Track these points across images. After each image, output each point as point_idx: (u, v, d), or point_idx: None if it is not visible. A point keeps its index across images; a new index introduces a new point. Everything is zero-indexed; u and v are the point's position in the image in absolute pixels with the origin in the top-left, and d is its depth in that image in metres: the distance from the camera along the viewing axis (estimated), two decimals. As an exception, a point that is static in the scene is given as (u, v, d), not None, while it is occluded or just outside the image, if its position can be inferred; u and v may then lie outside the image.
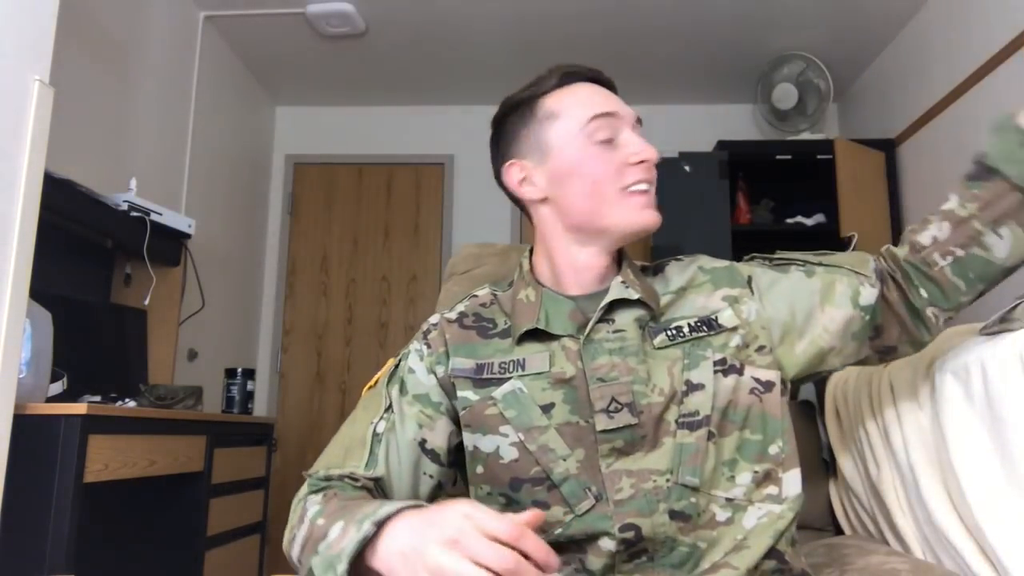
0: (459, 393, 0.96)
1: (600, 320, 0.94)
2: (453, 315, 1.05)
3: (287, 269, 4.03)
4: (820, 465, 1.78)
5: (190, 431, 2.12)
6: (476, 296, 1.07)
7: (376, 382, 1.03)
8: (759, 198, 3.46)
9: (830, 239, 3.02)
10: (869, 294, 0.97)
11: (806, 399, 1.84)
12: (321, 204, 4.10)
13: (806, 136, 3.51)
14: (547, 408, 0.91)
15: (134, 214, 2.37)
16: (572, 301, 0.98)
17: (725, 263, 1.02)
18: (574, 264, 0.99)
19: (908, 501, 1.36)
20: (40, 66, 1.60)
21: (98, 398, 1.99)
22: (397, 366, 1.03)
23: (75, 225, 2.26)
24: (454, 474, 1.02)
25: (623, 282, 0.96)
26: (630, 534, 0.85)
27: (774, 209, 3.48)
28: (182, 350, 2.98)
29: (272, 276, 4.01)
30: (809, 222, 3.32)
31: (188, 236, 2.65)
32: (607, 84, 1.02)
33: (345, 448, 0.97)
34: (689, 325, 0.94)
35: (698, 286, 0.99)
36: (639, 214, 0.95)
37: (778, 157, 3.27)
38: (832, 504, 1.73)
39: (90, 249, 2.47)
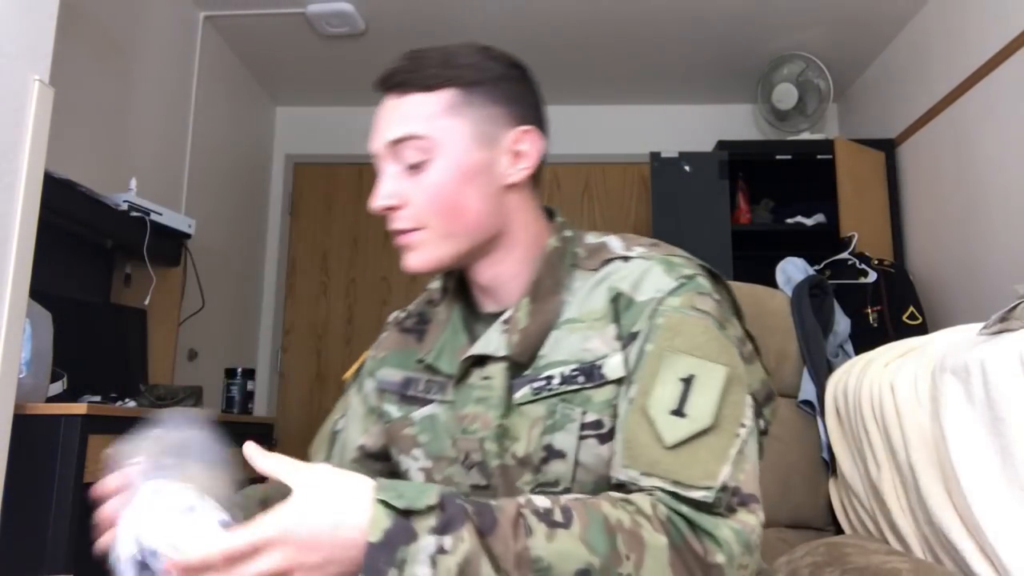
0: (384, 406, 0.92)
1: (475, 363, 0.83)
2: (403, 314, 0.99)
3: (287, 269, 4.02)
4: (820, 465, 1.78)
5: (190, 431, 2.12)
6: (428, 288, 0.96)
7: (351, 373, 1.01)
8: (759, 198, 3.45)
9: (830, 239, 3.02)
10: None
11: (806, 399, 1.83)
12: (321, 204, 4.09)
13: (806, 136, 3.51)
14: (456, 441, 0.84)
15: (134, 214, 2.36)
16: (477, 325, 0.87)
17: (653, 292, 0.78)
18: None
19: (908, 501, 1.36)
20: (40, 66, 1.60)
21: (98, 398, 1.99)
22: (363, 363, 0.99)
23: (75, 225, 2.26)
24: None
25: (505, 324, 0.82)
26: None
27: (774, 209, 3.48)
28: (182, 350, 2.98)
29: (272, 276, 4.01)
30: (809, 222, 3.32)
31: (188, 236, 2.65)
32: (398, 85, 0.81)
33: (317, 441, 0.99)
34: (562, 375, 0.78)
35: (596, 320, 0.79)
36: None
37: (778, 157, 3.26)
38: (832, 503, 1.73)
39: (90, 249, 2.47)
